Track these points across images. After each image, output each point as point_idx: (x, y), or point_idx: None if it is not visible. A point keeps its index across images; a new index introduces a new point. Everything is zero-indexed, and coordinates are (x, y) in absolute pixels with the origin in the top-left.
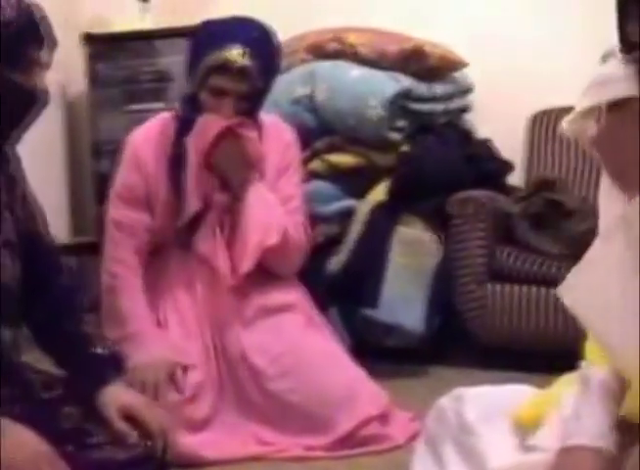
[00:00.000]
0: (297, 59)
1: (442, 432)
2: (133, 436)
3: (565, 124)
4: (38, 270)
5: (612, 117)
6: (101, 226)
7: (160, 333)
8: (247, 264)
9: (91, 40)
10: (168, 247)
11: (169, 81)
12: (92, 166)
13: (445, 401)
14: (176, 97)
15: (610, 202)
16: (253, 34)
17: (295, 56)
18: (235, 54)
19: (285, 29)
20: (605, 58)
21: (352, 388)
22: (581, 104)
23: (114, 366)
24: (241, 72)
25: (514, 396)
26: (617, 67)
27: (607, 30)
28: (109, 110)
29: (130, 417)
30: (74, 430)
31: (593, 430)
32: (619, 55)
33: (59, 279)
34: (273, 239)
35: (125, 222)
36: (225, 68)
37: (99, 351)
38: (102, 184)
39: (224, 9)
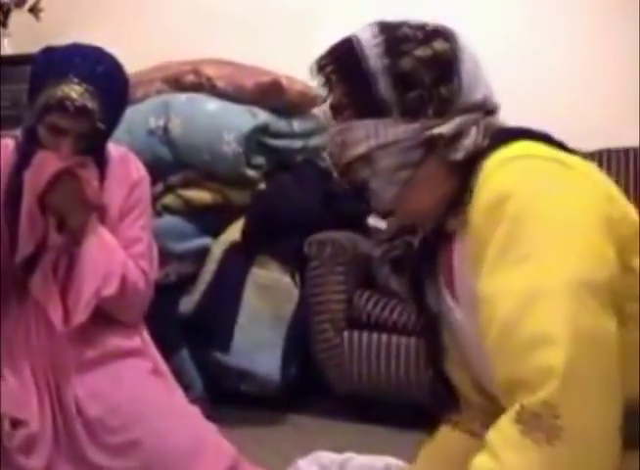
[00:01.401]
0: (152, 89)
1: None
2: None
3: None
4: None
5: None
6: None
7: None
8: (80, 316)
9: None
10: (5, 284)
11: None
12: None
13: (304, 465)
14: None
15: None
16: (98, 69)
17: (151, 86)
18: (74, 92)
19: (143, 59)
20: None
21: (195, 442)
22: None
23: None
24: (80, 112)
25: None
26: None
27: None
28: None
29: None
30: None
31: None
32: None
33: None
34: (111, 289)
35: None
36: (63, 106)
37: None
38: None
39: (86, 36)
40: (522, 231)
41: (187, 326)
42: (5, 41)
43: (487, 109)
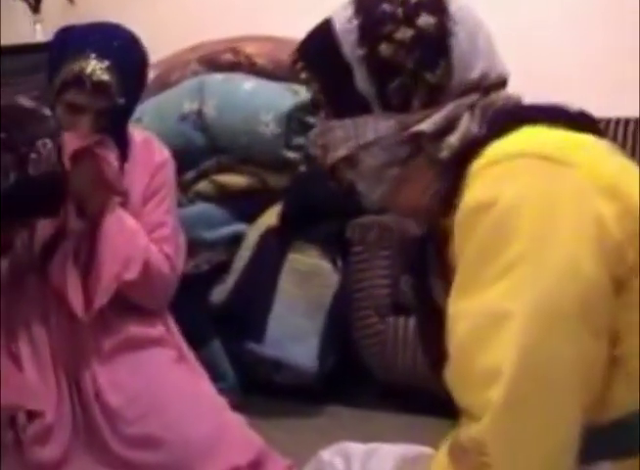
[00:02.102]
0: (187, 71)
1: None
2: None
3: None
4: None
5: None
6: None
7: (6, 372)
8: (99, 301)
9: None
10: (25, 270)
11: None
12: None
13: (327, 456)
14: None
15: None
16: (114, 44)
17: (186, 68)
18: (91, 67)
19: (178, 39)
20: None
21: (217, 433)
22: None
23: None
24: (98, 87)
25: (404, 460)
26: None
27: None
28: None
29: None
30: None
31: None
32: None
33: None
34: (132, 273)
35: None
36: (80, 82)
37: None
38: None
39: (120, 18)
40: (488, 251)
41: (220, 316)
42: (37, 27)
43: (488, 84)
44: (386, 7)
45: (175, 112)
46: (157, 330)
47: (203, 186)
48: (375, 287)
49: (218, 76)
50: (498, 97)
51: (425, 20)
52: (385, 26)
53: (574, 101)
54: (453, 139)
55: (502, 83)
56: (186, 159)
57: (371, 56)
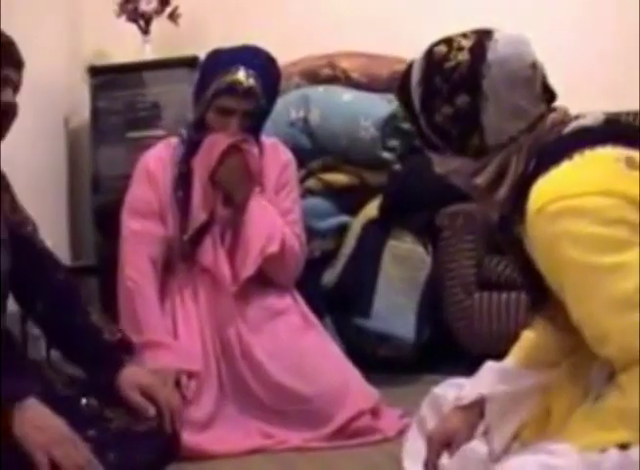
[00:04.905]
0: (291, 84)
1: (432, 413)
2: (151, 410)
3: None
4: (32, 268)
5: None
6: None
7: (170, 342)
8: (249, 270)
9: (95, 72)
10: (175, 260)
11: (164, 109)
12: (92, 197)
13: (440, 390)
14: (169, 124)
15: None
16: (257, 60)
17: (289, 81)
18: (242, 76)
19: (279, 55)
20: None
21: (346, 384)
22: None
23: (125, 350)
24: (247, 92)
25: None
26: None
27: None
28: (109, 138)
29: (146, 395)
30: (94, 417)
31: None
32: None
33: (57, 275)
34: (274, 247)
35: (142, 231)
36: (233, 89)
37: (107, 338)
38: (101, 213)
39: (221, 39)
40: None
41: (330, 296)
42: (147, 47)
43: (530, 124)
44: (437, 81)
45: (284, 118)
46: (288, 301)
47: (311, 183)
48: (462, 267)
49: (320, 88)
50: (544, 127)
51: (462, 99)
52: (435, 101)
53: (573, 105)
54: (502, 192)
55: (550, 100)
56: (296, 159)
57: (429, 120)
